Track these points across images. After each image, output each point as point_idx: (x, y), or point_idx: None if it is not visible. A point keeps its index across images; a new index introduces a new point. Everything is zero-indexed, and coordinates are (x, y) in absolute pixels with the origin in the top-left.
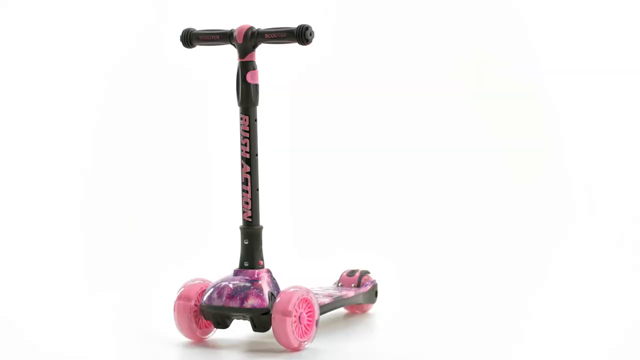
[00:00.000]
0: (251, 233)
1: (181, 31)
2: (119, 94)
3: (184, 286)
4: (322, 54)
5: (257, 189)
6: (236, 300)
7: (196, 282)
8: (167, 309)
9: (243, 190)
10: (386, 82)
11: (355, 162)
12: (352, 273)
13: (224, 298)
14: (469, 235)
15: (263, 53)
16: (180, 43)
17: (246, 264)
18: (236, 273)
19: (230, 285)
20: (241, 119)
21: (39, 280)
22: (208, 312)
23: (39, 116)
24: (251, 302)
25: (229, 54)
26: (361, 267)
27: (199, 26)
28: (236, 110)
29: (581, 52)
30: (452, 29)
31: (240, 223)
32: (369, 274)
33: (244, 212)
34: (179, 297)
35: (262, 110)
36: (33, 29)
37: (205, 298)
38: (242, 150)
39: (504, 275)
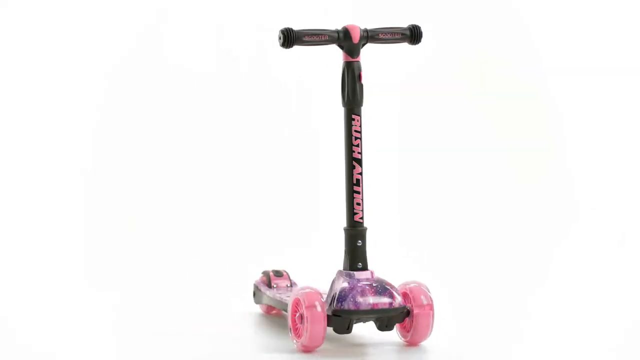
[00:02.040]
0: (363, 234)
1: (281, 31)
2: (118, 94)
3: (301, 295)
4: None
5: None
6: (385, 302)
7: (307, 290)
8: (167, 310)
9: (355, 192)
10: (386, 82)
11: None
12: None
13: (371, 300)
14: (470, 234)
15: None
16: (278, 43)
17: (359, 266)
18: (352, 275)
19: (368, 288)
20: (352, 119)
21: (39, 280)
22: (349, 317)
23: (39, 116)
24: (398, 301)
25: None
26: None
27: (201, 26)
28: (234, 109)
29: (584, 52)
30: (454, 29)
31: (346, 224)
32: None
33: (355, 213)
34: (311, 306)
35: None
36: (33, 29)
37: (347, 303)
38: (354, 151)
39: (505, 274)
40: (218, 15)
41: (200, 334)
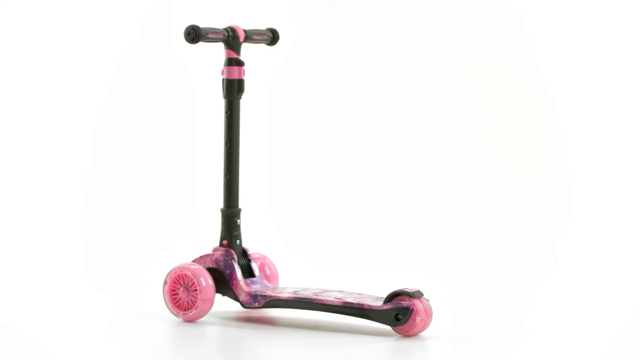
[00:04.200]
0: None
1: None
2: (118, 94)
3: None
4: (317, 53)
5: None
6: None
7: None
8: (166, 309)
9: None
10: (388, 82)
11: (356, 161)
12: None
13: None
14: (470, 233)
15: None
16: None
17: None
18: None
19: None
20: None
21: (39, 280)
22: None
23: (39, 116)
24: None
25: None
26: None
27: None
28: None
29: (583, 52)
30: (453, 28)
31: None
32: None
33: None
34: None
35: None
36: (32, 29)
37: None
38: None
39: (504, 273)
40: (219, 15)
41: (200, 334)
